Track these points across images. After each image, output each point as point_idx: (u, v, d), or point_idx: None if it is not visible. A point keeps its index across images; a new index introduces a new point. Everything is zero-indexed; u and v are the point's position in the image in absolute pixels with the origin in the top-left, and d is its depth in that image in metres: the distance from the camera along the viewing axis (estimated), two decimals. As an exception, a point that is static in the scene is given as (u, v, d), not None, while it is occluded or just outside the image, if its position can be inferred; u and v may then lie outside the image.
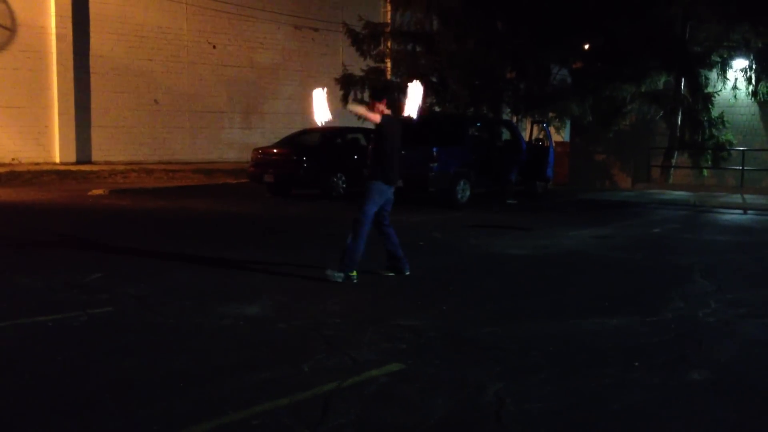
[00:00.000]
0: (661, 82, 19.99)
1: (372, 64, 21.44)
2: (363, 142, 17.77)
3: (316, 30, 29.43)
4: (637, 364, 5.19)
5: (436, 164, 15.08)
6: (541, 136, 19.12)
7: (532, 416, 4.25)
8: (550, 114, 20.42)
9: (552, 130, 20.18)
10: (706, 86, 20.10)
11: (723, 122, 20.02)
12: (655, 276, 8.61)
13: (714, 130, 20.08)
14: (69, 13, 23.25)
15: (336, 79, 21.23)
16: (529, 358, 5.29)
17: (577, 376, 4.93)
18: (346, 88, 20.94)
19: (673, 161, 20.92)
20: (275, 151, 17.30)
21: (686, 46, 19.75)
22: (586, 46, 20.41)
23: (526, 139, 18.59)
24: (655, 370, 5.08)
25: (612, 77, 19.30)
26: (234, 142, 27.73)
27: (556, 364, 5.15)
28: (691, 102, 20.20)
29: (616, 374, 4.98)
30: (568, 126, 22.33)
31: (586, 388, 4.71)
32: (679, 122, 20.63)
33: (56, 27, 23.07)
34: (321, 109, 7.69)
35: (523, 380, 4.81)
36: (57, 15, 23.05)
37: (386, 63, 22.28)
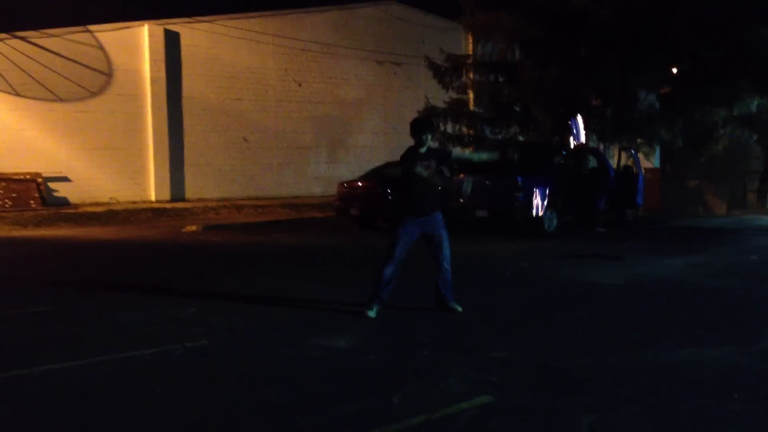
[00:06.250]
0: (754, 105, 19.37)
1: (454, 95, 21.52)
2: (447, 173, 17.79)
3: (398, 64, 29.78)
4: (736, 395, 5.01)
5: (521, 194, 14.97)
6: (629, 163, 18.74)
7: (626, 449, 4.16)
8: (639, 140, 20.02)
9: (641, 156, 19.76)
10: (802, 108, 19.39)
11: (821, 144, 19.27)
12: (753, 304, 8.31)
13: (812, 153, 19.33)
14: (162, 57, 24.24)
15: (419, 112, 21.40)
16: (622, 389, 5.18)
17: (672, 408, 4.79)
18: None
19: (770, 186, 20.20)
20: (360, 184, 17.50)
21: (778, 67, 19.10)
22: (674, 70, 19.95)
23: (614, 166, 18.26)
24: (756, 402, 4.90)
25: (702, 101, 18.78)
26: (320, 177, 28.18)
27: (651, 396, 5.03)
28: (787, 125, 19.50)
29: (714, 406, 4.83)
30: (657, 152, 21.81)
31: (682, 421, 4.59)
32: (775, 145, 19.94)
33: (150, 71, 24.06)
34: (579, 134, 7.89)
35: (617, 412, 4.72)
36: (151, 59, 24.06)
37: (468, 94, 22.33)
